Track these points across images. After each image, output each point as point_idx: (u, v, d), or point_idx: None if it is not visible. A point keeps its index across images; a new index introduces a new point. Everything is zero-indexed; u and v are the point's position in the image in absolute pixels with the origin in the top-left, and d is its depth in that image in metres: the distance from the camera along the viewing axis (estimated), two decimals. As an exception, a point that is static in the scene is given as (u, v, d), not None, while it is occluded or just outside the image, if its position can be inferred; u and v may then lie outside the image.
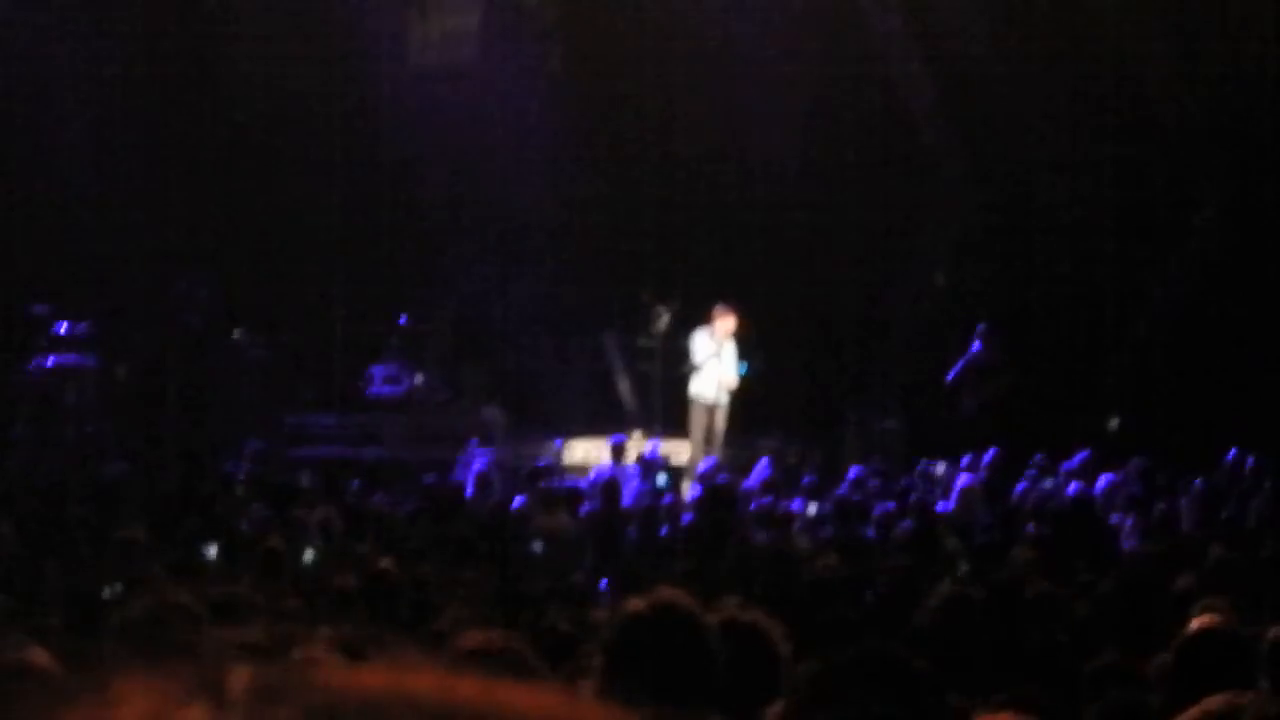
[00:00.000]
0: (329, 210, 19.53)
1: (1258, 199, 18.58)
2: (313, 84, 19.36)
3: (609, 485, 12.50)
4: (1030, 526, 11.89)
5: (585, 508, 12.14)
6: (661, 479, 13.82)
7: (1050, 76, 19.20)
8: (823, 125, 19.83)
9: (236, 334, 18.07)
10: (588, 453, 17.00)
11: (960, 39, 19.40)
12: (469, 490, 13.31)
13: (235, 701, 1.56)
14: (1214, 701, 4.56)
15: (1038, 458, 14.52)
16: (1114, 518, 12.62)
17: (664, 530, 11.67)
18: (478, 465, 13.97)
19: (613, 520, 11.49)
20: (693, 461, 16.43)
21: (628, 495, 13.04)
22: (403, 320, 18.73)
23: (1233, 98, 18.70)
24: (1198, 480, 13.55)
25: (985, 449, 15.00)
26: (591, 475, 14.45)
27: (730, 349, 16.96)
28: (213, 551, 10.08)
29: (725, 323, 16.88)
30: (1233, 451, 14.67)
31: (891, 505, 12.18)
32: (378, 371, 18.26)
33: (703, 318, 17.07)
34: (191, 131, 19.11)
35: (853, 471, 14.25)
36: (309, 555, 10.42)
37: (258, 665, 1.60)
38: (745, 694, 4.56)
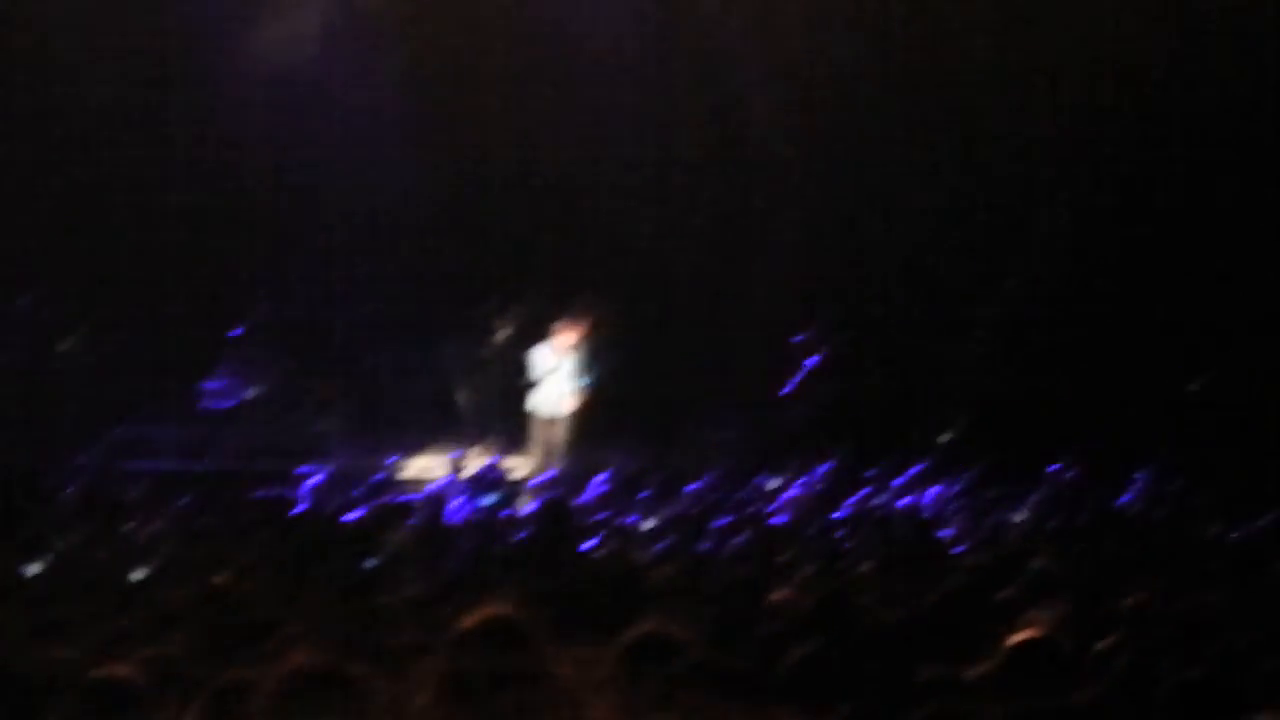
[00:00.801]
0: (161, 220, 19.19)
1: (1091, 219, 18.99)
2: (144, 87, 19.04)
3: (435, 500, 12.43)
4: (863, 538, 12.03)
5: (414, 521, 12.07)
6: (494, 495, 13.80)
7: (890, 79, 19.44)
8: (663, 131, 19.91)
9: (66, 344, 17.71)
10: (424, 467, 16.92)
11: (802, 42, 19.61)
12: (304, 504, 13.17)
13: None
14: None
15: (872, 471, 14.71)
16: (946, 530, 12.82)
17: (500, 544, 11.63)
18: (313, 479, 13.82)
19: (442, 535, 11.43)
20: (532, 474, 16.44)
21: (464, 509, 12.98)
22: (238, 331, 18.48)
23: (1072, 114, 19.09)
24: (1028, 493, 13.83)
25: (821, 461, 15.17)
26: (427, 489, 14.36)
27: (570, 363, 17.03)
28: (35, 570, 9.85)
29: (566, 337, 16.95)
30: (1057, 465, 14.97)
31: (729, 518, 12.25)
32: (212, 384, 18.00)
33: (544, 331, 17.10)
34: (15, 134, 18.72)
35: (691, 485, 14.32)
36: (137, 573, 10.23)
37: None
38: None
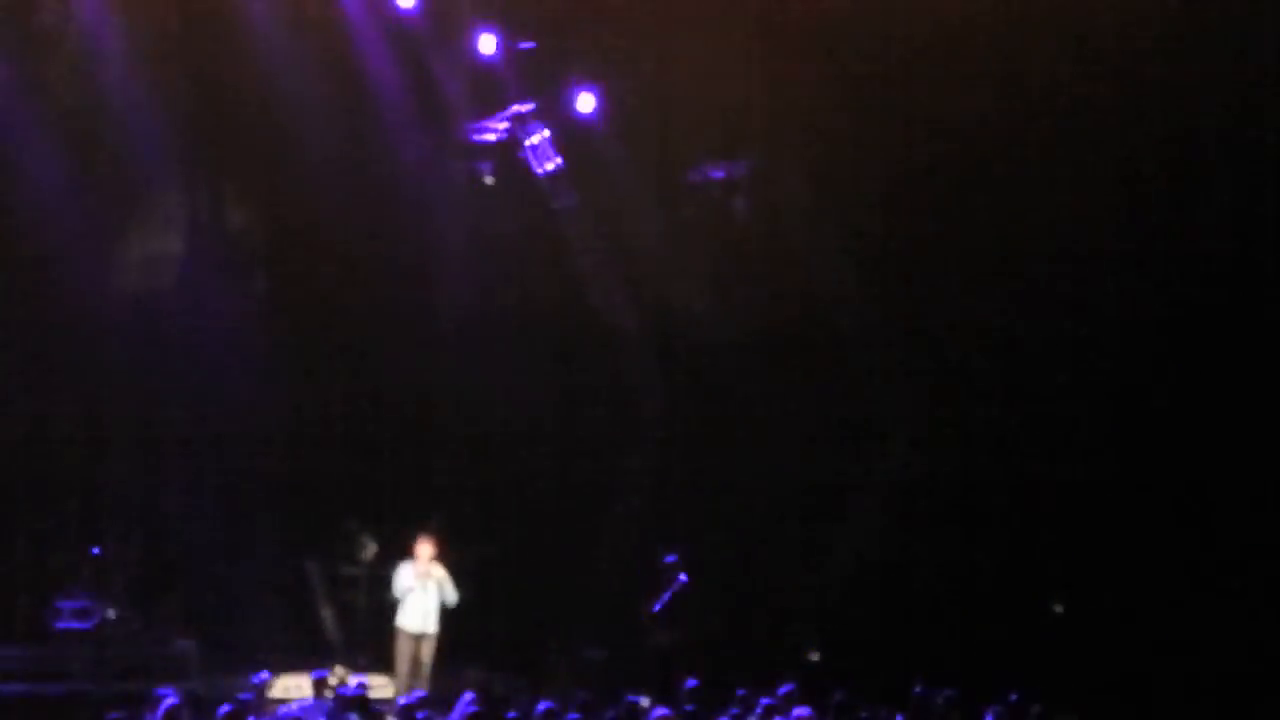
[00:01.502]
0: (14, 435, 18.89)
1: (949, 430, 19.34)
2: (4, 304, 18.86)
3: (298, 721, 12.19)
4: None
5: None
6: (358, 716, 13.52)
7: (749, 313, 19.82)
8: (529, 354, 20.07)
9: None
10: (288, 687, 16.58)
11: (661, 273, 19.98)
12: (158, 725, 12.80)
13: None
14: None
15: (740, 691, 14.64)
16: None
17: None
18: (169, 701, 13.45)
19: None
20: (398, 693, 16.18)
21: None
22: (94, 551, 18.12)
23: (921, 328, 19.53)
24: (898, 715, 13.82)
25: (689, 679, 15.08)
26: (286, 711, 14.06)
27: (435, 579, 16.90)
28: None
29: (425, 551, 16.89)
30: (919, 687, 15.01)
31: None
32: (66, 605, 17.59)
33: (406, 549, 17.01)
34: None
35: (543, 705, 14.15)
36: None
37: None
38: None
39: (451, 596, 17.00)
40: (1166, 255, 18.44)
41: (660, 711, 13.07)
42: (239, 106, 19.31)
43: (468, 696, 14.24)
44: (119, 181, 19.17)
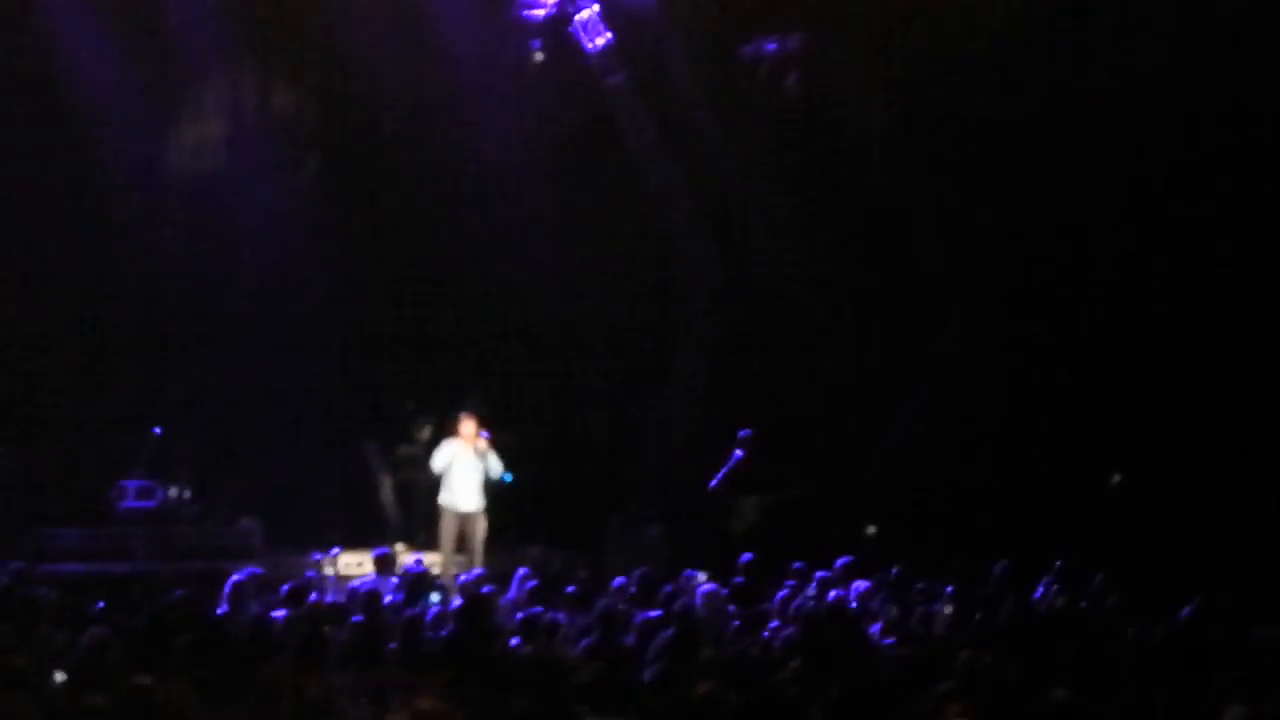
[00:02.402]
0: (75, 320, 19.06)
1: (1005, 310, 19.24)
2: (55, 190, 18.92)
3: (369, 597, 12.35)
4: (788, 632, 12.03)
5: (341, 620, 11.96)
6: (435, 596, 13.69)
7: (802, 191, 19.72)
8: (581, 234, 20.04)
9: None
10: (349, 564, 16.78)
11: (715, 153, 19.86)
12: (224, 605, 13.01)
13: None
14: None
15: (796, 565, 14.73)
16: (873, 625, 12.84)
17: (426, 642, 11.54)
18: (234, 579, 13.65)
19: (374, 633, 11.34)
20: (445, 570, 16.32)
21: (389, 607, 12.86)
22: (156, 431, 18.31)
23: (979, 219, 19.38)
24: (949, 587, 13.89)
25: (745, 554, 15.19)
26: (352, 587, 14.23)
27: (481, 457, 16.87)
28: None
29: (468, 428, 16.87)
30: (982, 558, 15.07)
31: (654, 613, 12.22)
32: (129, 485, 17.81)
33: (465, 428, 17.06)
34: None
35: (616, 580, 14.28)
36: (58, 675, 10.08)
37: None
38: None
39: (496, 469, 16.95)
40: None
41: (708, 586, 13.18)
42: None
43: (522, 572, 14.39)
44: (167, 66, 19.15)
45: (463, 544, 16.87)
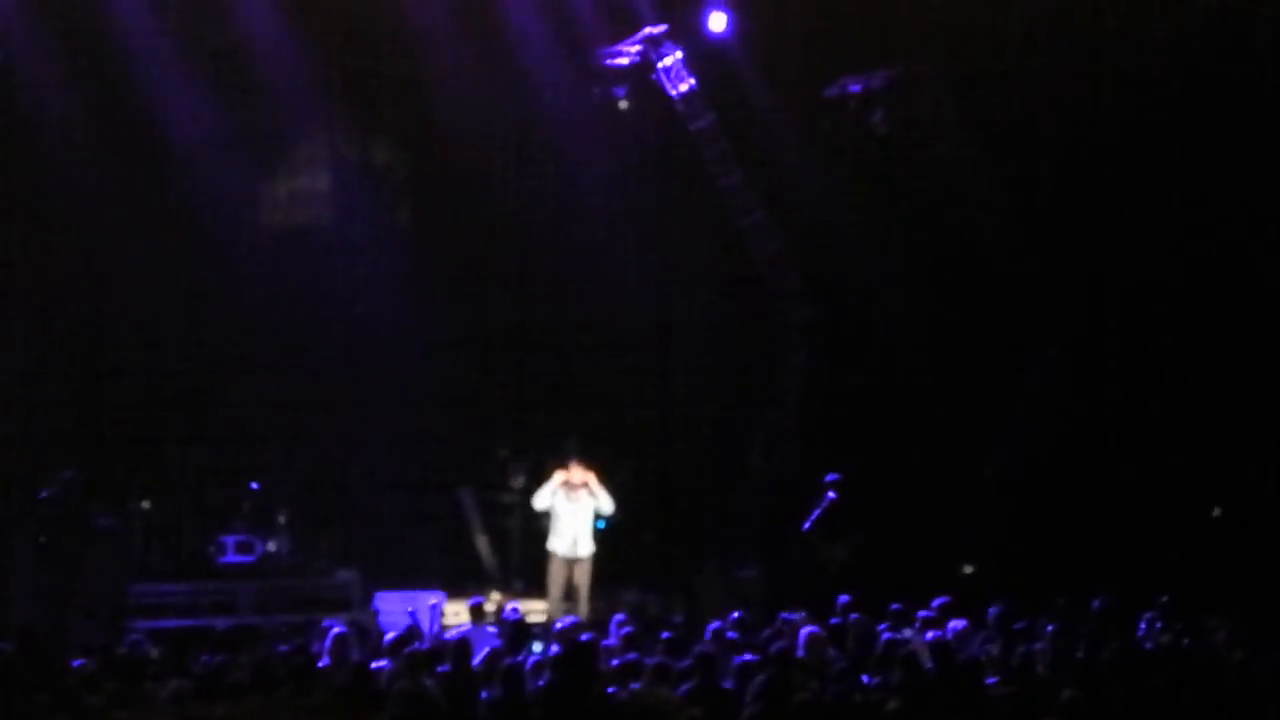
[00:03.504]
0: (175, 374, 19.32)
1: (1099, 345, 19.09)
2: (158, 248, 19.20)
3: (460, 646, 12.38)
4: (892, 673, 11.94)
5: (441, 669, 12.00)
6: (537, 645, 13.72)
7: (891, 228, 19.68)
8: (673, 279, 20.11)
9: (94, 509, 17.68)
10: (449, 614, 16.85)
11: (803, 193, 19.87)
12: (325, 658, 13.09)
13: None
14: None
15: (895, 606, 14.63)
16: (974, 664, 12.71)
17: (527, 689, 11.56)
18: (335, 630, 13.75)
19: (465, 681, 11.36)
20: (551, 618, 16.35)
21: (488, 654, 12.89)
22: (254, 486, 18.50)
23: (1069, 245, 19.27)
24: (1050, 624, 13.75)
25: (842, 595, 15.10)
26: (451, 636, 14.28)
27: (586, 503, 16.98)
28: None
29: (574, 472, 16.96)
30: (1079, 595, 14.92)
31: (751, 657, 12.18)
32: (229, 540, 17.99)
33: (562, 476, 17.12)
34: (25, 311, 18.91)
35: (713, 624, 14.25)
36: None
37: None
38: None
39: (607, 506, 17.04)
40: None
41: (810, 629, 13.10)
42: (378, 42, 19.48)
43: (619, 618, 14.37)
44: (265, 121, 19.41)
45: (569, 590, 16.93)
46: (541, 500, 17.03)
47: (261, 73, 19.12)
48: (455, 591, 17.49)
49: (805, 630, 12.98)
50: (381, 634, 14.66)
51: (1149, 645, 13.73)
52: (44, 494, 17.20)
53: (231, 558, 17.93)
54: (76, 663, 12.61)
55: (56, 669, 12.40)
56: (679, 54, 19.47)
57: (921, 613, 14.25)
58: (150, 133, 18.78)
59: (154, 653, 13.55)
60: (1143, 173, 18.83)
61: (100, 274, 19.01)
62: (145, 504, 18.21)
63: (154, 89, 18.80)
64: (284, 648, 13.28)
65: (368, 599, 17.56)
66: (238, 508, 18.33)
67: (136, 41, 18.60)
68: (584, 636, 13.34)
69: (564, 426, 18.87)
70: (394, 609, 17.08)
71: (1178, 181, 18.68)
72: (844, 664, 12.52)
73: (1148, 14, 18.79)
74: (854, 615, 14.20)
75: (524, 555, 18.43)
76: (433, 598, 16.95)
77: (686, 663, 12.19)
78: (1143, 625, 14.29)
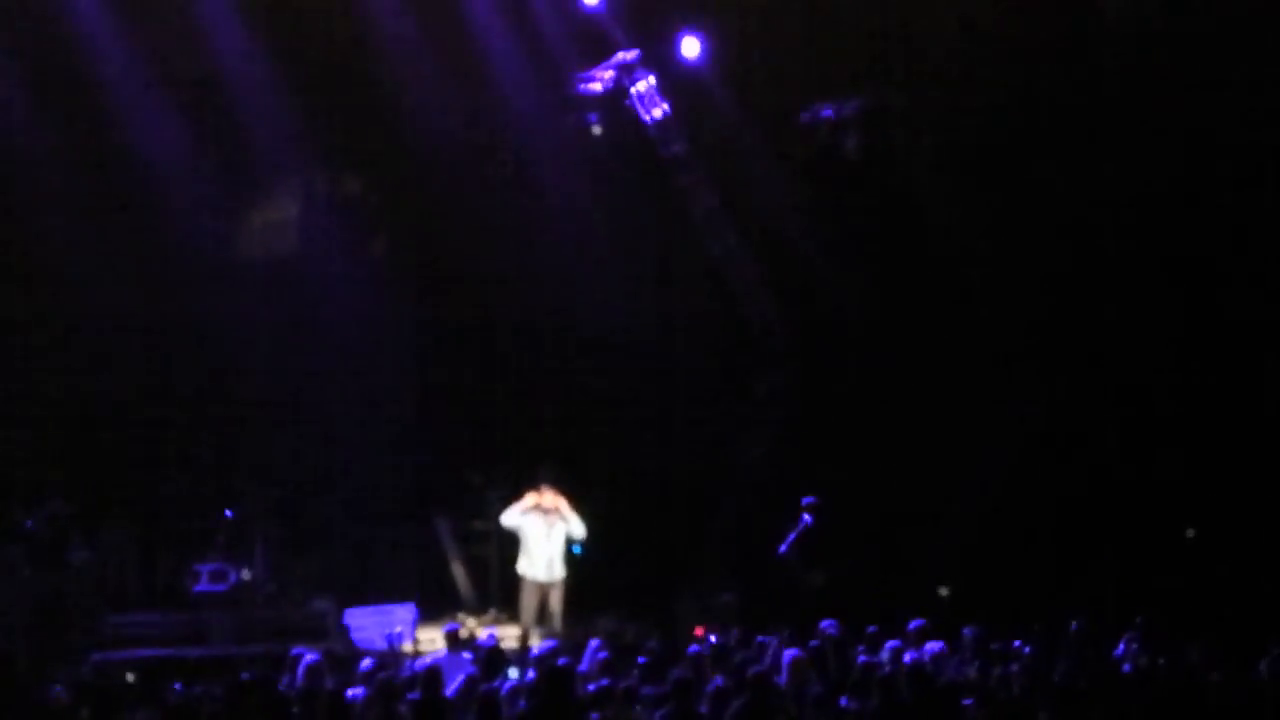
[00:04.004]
0: (148, 405, 19.25)
1: (1073, 367, 19.15)
2: (133, 278, 19.16)
3: (431, 673, 12.32)
4: (869, 698, 11.91)
5: (415, 696, 11.94)
6: (513, 670, 13.67)
7: (865, 253, 19.72)
8: (645, 305, 20.12)
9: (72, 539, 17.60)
10: (422, 640, 16.79)
11: (776, 219, 19.90)
12: (301, 684, 13.01)
13: None
14: None
15: (871, 629, 14.62)
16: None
17: (502, 716, 11.50)
18: (308, 659, 13.68)
19: (437, 709, 11.31)
20: (524, 642, 16.31)
21: (463, 682, 12.84)
22: (228, 514, 18.43)
23: (1043, 271, 19.32)
24: (1027, 648, 13.74)
25: (818, 620, 15.07)
26: (425, 663, 14.22)
27: (559, 527, 16.97)
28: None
29: (546, 497, 16.95)
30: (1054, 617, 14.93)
31: (724, 681, 12.14)
32: (203, 569, 17.92)
33: (535, 499, 17.11)
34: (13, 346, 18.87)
35: (690, 649, 14.21)
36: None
37: None
38: None
39: (578, 530, 17.04)
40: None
41: (791, 653, 13.07)
42: (349, 71, 19.48)
43: (594, 644, 14.34)
44: (238, 150, 19.41)
45: (543, 614, 16.91)
46: (509, 518, 17.07)
47: (235, 102, 19.12)
48: (431, 617, 17.43)
49: (788, 654, 12.95)
50: (357, 656, 14.60)
51: (1127, 667, 13.73)
52: (30, 524, 17.14)
53: (206, 586, 17.85)
54: (52, 693, 12.55)
55: (32, 700, 12.33)
56: (652, 79, 19.50)
57: (893, 640, 14.22)
58: (125, 165, 18.77)
59: (130, 680, 13.48)
60: (1117, 199, 18.91)
61: (75, 303, 18.96)
62: (120, 533, 18.13)
63: (129, 116, 18.79)
64: (247, 676, 13.20)
65: (343, 627, 17.50)
66: (212, 537, 18.26)
67: (112, 74, 18.59)
68: (560, 661, 13.30)
69: (539, 452, 18.85)
70: (365, 624, 17.04)
71: (1152, 208, 18.77)
72: (822, 688, 12.49)
73: (1119, 47, 18.88)
74: (831, 637, 14.18)
75: (500, 582, 18.38)
76: (404, 612, 16.91)
77: (663, 688, 12.16)
78: (1120, 647, 14.29)
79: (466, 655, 14.52)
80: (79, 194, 18.68)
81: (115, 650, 16.50)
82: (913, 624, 14.50)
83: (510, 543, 17.62)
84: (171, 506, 18.74)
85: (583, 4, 19.47)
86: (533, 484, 17.31)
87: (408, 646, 16.72)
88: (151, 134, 18.87)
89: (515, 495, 17.85)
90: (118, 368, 19.13)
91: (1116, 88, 18.87)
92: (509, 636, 16.59)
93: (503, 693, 11.96)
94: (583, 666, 13.55)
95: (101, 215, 18.78)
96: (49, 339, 18.96)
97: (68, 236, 18.69)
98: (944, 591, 18.23)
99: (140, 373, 19.32)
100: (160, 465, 19.12)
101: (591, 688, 12.24)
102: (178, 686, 13.29)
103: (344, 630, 16.99)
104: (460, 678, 12.60)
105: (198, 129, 19.09)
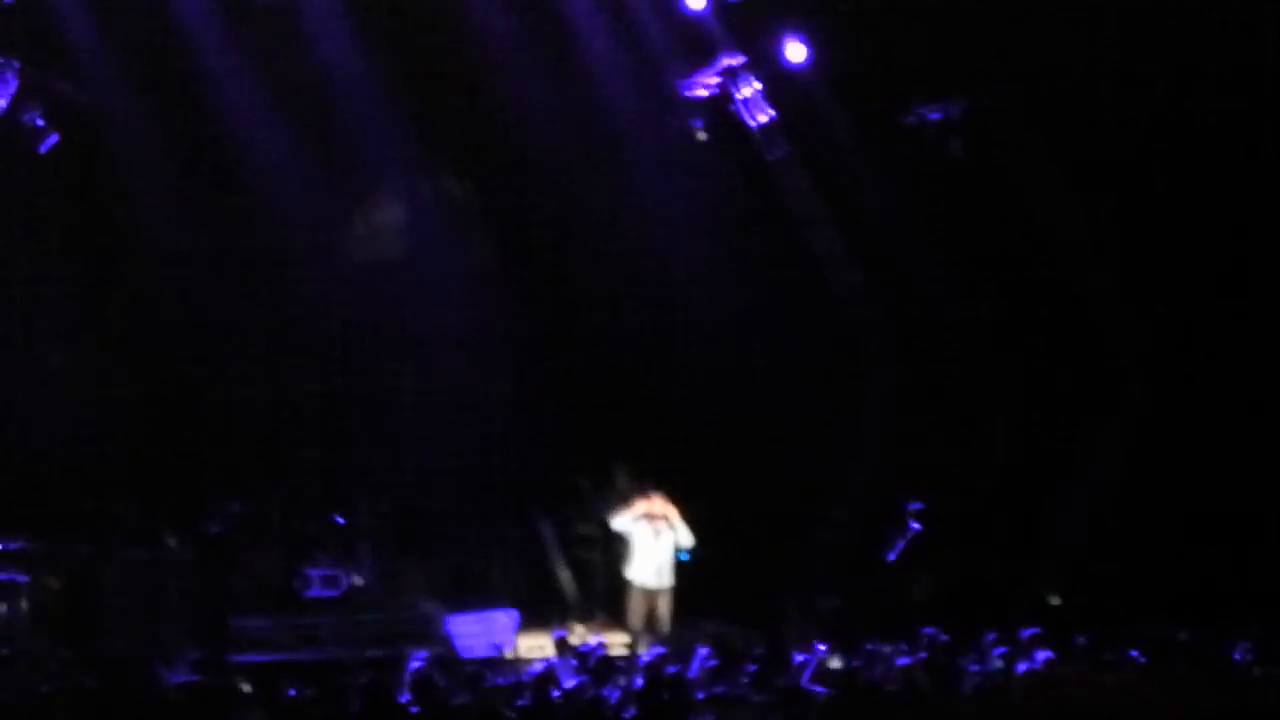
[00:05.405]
0: (259, 412, 19.46)
1: (1183, 369, 18.90)
2: (237, 282, 19.38)
3: (541, 680, 12.36)
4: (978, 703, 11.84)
5: (523, 702, 11.98)
6: (600, 672, 13.68)
7: (970, 256, 19.58)
8: (752, 309, 20.07)
9: (171, 541, 17.84)
10: (530, 646, 16.85)
11: (881, 222, 19.80)
12: (406, 691, 13.10)
13: None
14: None
15: (990, 636, 14.51)
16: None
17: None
18: (415, 663, 13.77)
19: (546, 715, 11.34)
20: (631, 648, 16.32)
21: (572, 688, 12.86)
22: (338, 520, 18.59)
23: (1146, 273, 19.09)
24: (1139, 657, 13.60)
25: (927, 627, 14.99)
26: (533, 669, 14.27)
27: (667, 535, 16.96)
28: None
29: (653, 506, 16.94)
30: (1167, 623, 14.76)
31: (832, 690, 12.09)
32: (314, 573, 18.09)
33: (643, 507, 17.13)
34: (113, 332, 19.11)
35: (797, 657, 14.16)
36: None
37: None
38: None
39: (686, 540, 17.03)
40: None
41: (902, 660, 13.02)
42: (454, 75, 19.57)
43: (703, 652, 14.32)
44: (344, 155, 19.57)
45: (651, 621, 16.90)
46: (621, 522, 17.08)
47: (340, 108, 19.27)
48: (538, 623, 17.48)
49: (900, 661, 12.89)
50: (462, 662, 14.68)
51: (1240, 671, 13.54)
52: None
53: (317, 591, 18.02)
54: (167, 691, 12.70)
55: (146, 703, 12.48)
56: (757, 85, 19.45)
57: (1006, 645, 14.11)
58: (232, 169, 18.97)
59: (240, 685, 13.61)
60: (1222, 202, 18.63)
61: (185, 308, 19.19)
62: (230, 536, 18.37)
63: (236, 124, 19.00)
64: (363, 680, 13.29)
65: (445, 635, 17.59)
66: (323, 541, 18.43)
67: (219, 78, 18.80)
68: (669, 669, 13.31)
69: (647, 458, 18.85)
70: (468, 631, 17.10)
71: (1254, 212, 18.49)
72: (933, 693, 12.41)
73: (1227, 48, 18.58)
74: (941, 645, 14.09)
75: (605, 587, 18.40)
76: (505, 617, 16.96)
77: (772, 696, 12.12)
78: (1236, 654, 14.09)
79: (573, 661, 14.56)
80: (187, 199, 18.91)
81: (228, 653, 16.68)
82: (1025, 632, 14.38)
83: (616, 548, 17.63)
84: (284, 512, 18.92)
85: (686, 8, 19.44)
86: (641, 489, 17.30)
87: (509, 653, 16.79)
88: (259, 141, 19.07)
89: (621, 498, 17.87)
90: (230, 373, 19.36)
91: (1230, 89, 18.56)
92: (616, 643, 16.60)
93: (611, 700, 11.97)
94: (691, 673, 13.54)
95: (209, 220, 19.01)
96: (156, 341, 19.17)
97: (177, 240, 18.95)
98: (1055, 600, 18.05)
99: (253, 379, 19.52)
100: (272, 471, 19.31)
101: (700, 695, 12.22)
102: (291, 692, 13.40)
103: (446, 639, 17.06)
104: (568, 684, 12.64)
105: (304, 136, 19.26)
